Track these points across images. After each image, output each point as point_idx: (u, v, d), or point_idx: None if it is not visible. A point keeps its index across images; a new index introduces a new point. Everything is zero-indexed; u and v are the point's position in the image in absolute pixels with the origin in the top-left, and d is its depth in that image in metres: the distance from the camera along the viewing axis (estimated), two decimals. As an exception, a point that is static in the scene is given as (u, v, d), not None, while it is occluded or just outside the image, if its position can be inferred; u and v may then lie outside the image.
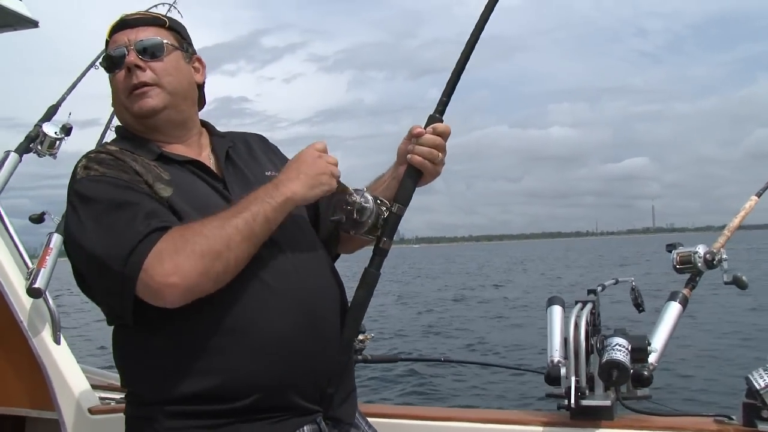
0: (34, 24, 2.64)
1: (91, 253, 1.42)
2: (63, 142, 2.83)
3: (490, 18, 1.65)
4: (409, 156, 1.61)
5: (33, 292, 2.34)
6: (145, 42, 1.61)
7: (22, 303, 2.49)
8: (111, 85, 1.65)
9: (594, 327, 2.04)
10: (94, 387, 2.56)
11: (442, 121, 1.63)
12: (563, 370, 1.95)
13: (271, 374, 1.44)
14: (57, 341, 2.48)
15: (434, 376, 9.24)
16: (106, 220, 1.42)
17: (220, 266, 1.38)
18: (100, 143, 2.78)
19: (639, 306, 2.49)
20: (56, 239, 2.48)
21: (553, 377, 1.99)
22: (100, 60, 1.67)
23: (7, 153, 2.64)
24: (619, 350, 1.84)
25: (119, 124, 1.71)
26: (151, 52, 1.61)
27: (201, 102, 1.77)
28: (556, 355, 2.03)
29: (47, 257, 2.42)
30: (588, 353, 1.92)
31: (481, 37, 1.67)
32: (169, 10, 3.61)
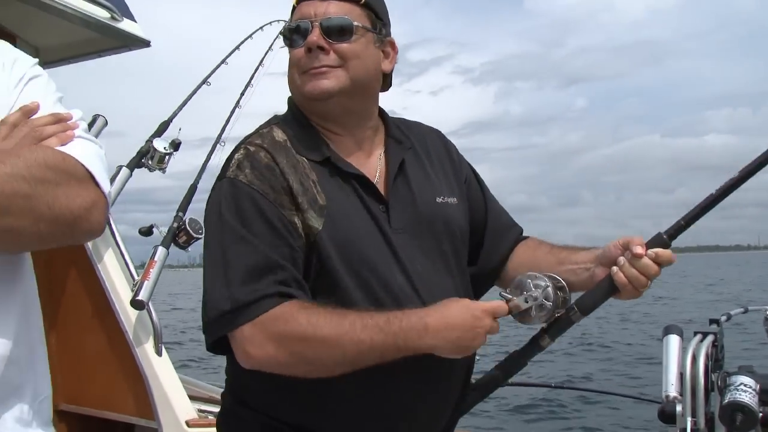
0: (146, 44, 2.74)
1: (206, 267, 1.39)
2: (172, 157, 2.90)
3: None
4: (614, 271, 1.41)
5: (136, 304, 2.40)
6: (333, 20, 1.42)
7: (127, 314, 2.56)
8: (289, 60, 1.49)
9: (716, 362, 1.83)
10: (193, 399, 2.60)
11: (668, 247, 1.42)
12: (679, 408, 1.76)
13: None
14: (159, 353, 2.54)
15: (545, 400, 8.91)
16: (233, 250, 1.35)
17: (303, 370, 1.33)
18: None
19: (775, 340, 2.23)
20: (161, 252, 2.54)
21: (667, 414, 1.80)
22: (281, 29, 1.52)
23: (119, 168, 2.74)
24: (745, 391, 1.63)
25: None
26: (338, 32, 1.42)
27: (387, 85, 1.59)
28: (672, 390, 1.83)
29: (151, 270, 2.48)
30: (707, 391, 1.71)
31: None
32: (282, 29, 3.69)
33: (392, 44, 1.55)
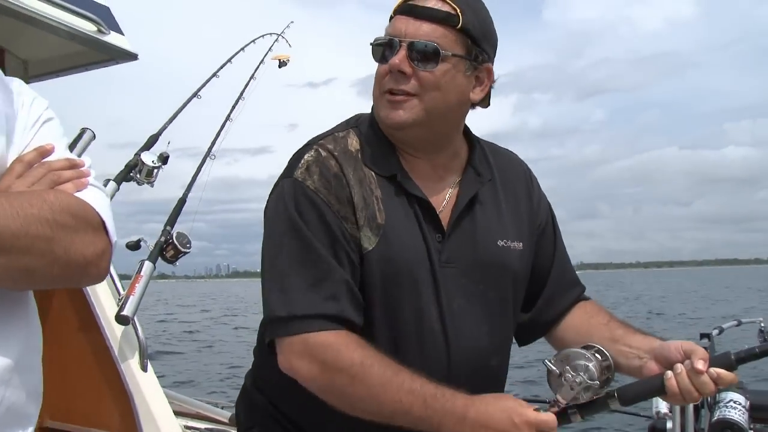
0: (133, 57, 2.73)
1: (266, 265, 1.39)
2: (160, 170, 2.88)
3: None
4: (669, 376, 1.32)
5: (121, 319, 2.37)
6: (419, 44, 1.36)
7: (113, 329, 2.53)
8: (376, 71, 1.43)
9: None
10: (179, 414, 2.57)
11: (734, 369, 1.32)
12: (669, 424, 1.74)
13: None
14: (144, 368, 2.50)
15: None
16: (295, 254, 1.34)
17: (335, 401, 1.32)
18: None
19: (768, 352, 2.21)
20: (147, 267, 2.51)
21: (658, 431, 1.79)
22: (375, 40, 1.43)
23: (107, 181, 2.71)
24: (735, 407, 1.61)
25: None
26: (423, 57, 1.36)
27: (486, 104, 1.52)
28: (662, 406, 1.82)
29: (137, 285, 2.45)
30: (698, 407, 1.69)
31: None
32: (276, 40, 3.68)
33: (488, 71, 1.47)
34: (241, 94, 3.32)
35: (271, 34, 3.69)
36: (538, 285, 1.57)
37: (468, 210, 1.45)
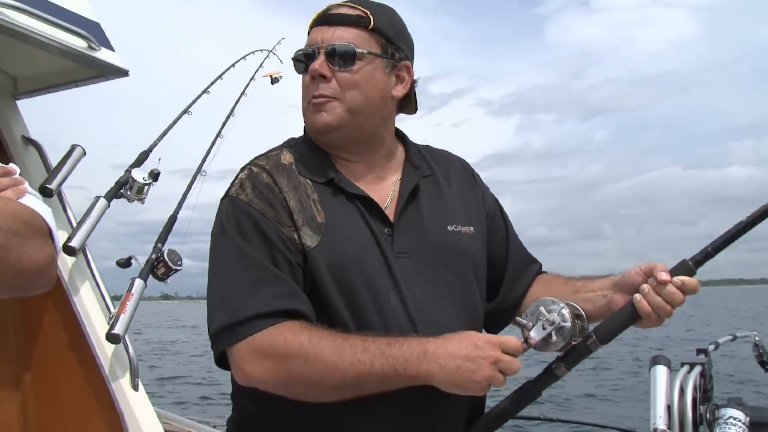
0: (124, 73, 2.71)
1: (209, 282, 1.41)
2: (151, 187, 2.86)
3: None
4: (638, 298, 1.38)
5: (111, 338, 2.34)
6: (336, 46, 1.43)
7: (103, 348, 2.49)
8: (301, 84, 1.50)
9: (704, 393, 1.79)
10: (170, 436, 2.52)
11: (694, 274, 1.37)
12: (668, 441, 1.71)
13: None
14: (135, 388, 2.47)
15: None
16: (233, 265, 1.37)
17: (301, 390, 1.32)
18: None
19: (766, 364, 2.20)
20: (138, 285, 2.49)
21: (656, 449, 1.76)
22: (295, 53, 1.50)
23: (97, 198, 2.69)
24: (734, 425, 1.59)
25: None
26: (341, 59, 1.43)
27: (412, 109, 1.58)
28: (660, 423, 1.79)
29: (128, 303, 2.42)
30: (696, 424, 1.67)
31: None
32: (267, 57, 3.67)
33: (407, 68, 1.53)
34: (232, 110, 3.31)
35: (261, 50, 3.69)
36: (498, 270, 1.61)
37: (412, 201, 1.49)
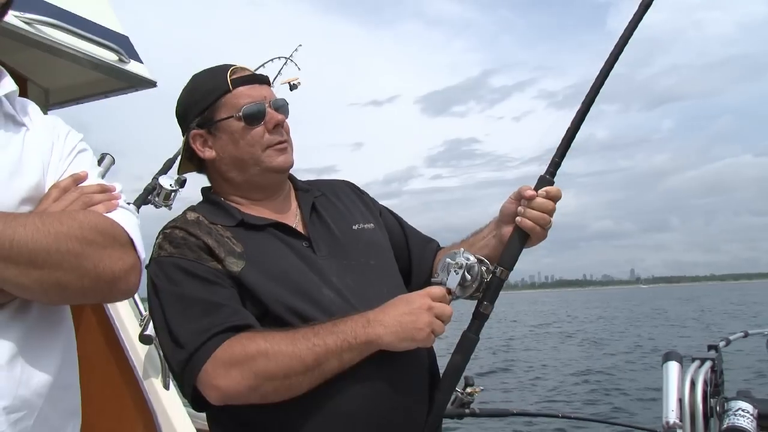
0: (152, 84, 2.80)
1: (159, 337, 1.51)
2: (178, 193, 2.95)
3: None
4: (518, 219, 1.57)
5: (144, 339, 2.44)
6: (279, 101, 1.66)
7: (135, 349, 2.59)
8: (240, 138, 1.62)
9: (715, 387, 1.87)
10: (201, 432, 2.61)
11: (553, 183, 1.58)
12: (680, 434, 1.79)
13: None
14: (166, 387, 2.56)
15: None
16: (174, 310, 1.46)
17: (271, 388, 1.39)
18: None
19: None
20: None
21: (669, 441, 1.83)
22: (241, 112, 1.63)
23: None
24: (743, 416, 1.67)
25: (207, 185, 1.74)
26: (283, 111, 1.66)
27: None
28: (672, 416, 1.87)
29: (159, 304, 2.51)
30: (707, 417, 1.75)
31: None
32: (285, 64, 3.75)
33: None
34: None
35: (279, 57, 3.77)
36: (405, 257, 1.79)
37: (315, 215, 1.68)
